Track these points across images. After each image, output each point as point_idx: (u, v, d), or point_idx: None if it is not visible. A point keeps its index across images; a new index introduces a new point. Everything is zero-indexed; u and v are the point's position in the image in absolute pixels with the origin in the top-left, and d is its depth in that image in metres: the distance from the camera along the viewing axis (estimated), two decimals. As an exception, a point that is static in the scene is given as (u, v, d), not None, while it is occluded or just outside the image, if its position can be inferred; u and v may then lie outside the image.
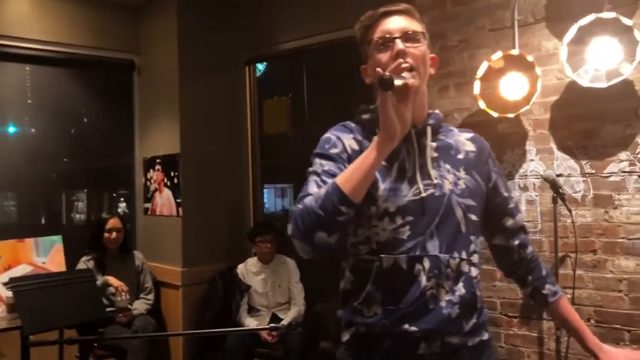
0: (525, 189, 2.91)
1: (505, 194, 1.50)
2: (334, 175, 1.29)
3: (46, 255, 3.80)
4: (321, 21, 3.95)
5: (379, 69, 1.25)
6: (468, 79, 3.02)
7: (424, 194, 1.33)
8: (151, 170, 4.47)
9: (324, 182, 1.30)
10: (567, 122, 2.80)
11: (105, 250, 3.88)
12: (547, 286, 1.50)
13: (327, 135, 1.42)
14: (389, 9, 1.38)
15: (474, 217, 1.38)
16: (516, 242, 1.51)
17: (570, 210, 2.69)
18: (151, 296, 4.00)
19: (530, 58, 2.77)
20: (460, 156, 1.42)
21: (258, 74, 4.70)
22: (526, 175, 2.91)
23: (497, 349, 1.48)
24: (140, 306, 3.87)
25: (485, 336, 1.39)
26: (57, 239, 3.86)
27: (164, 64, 4.33)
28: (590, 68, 2.60)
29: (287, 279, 3.96)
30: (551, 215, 2.72)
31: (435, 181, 1.35)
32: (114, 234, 3.87)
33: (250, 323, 3.78)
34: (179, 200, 4.18)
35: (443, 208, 1.34)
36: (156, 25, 4.43)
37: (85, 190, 4.74)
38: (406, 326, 1.29)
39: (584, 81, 2.61)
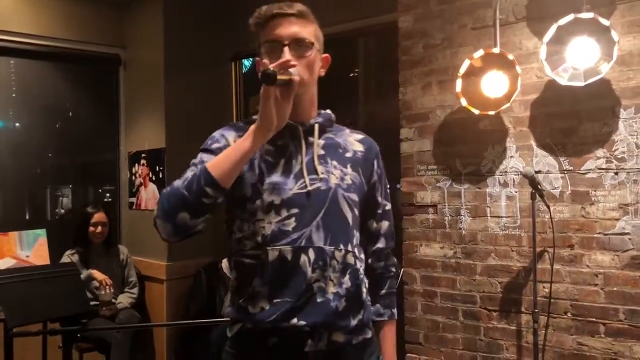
0: (505, 185, 2.97)
1: (379, 198, 1.52)
2: None
3: (30, 249, 3.80)
4: (307, 18, 3.97)
5: (264, 61, 1.30)
6: (451, 77, 3.06)
7: (310, 187, 1.35)
8: (136, 165, 4.48)
9: None
10: (546, 120, 2.85)
11: (89, 244, 3.89)
12: (377, 306, 1.50)
13: (214, 133, 1.44)
14: (282, 11, 1.36)
15: (357, 212, 1.42)
16: (371, 249, 1.51)
17: (548, 206, 2.75)
18: (135, 290, 4.02)
19: (511, 56, 2.82)
20: (348, 154, 1.46)
21: (244, 70, 4.71)
22: (506, 172, 2.96)
23: (377, 347, 1.50)
24: (124, 300, 3.88)
25: (369, 334, 1.42)
26: (41, 233, 3.85)
27: (150, 58, 4.33)
28: (568, 67, 2.66)
29: (272, 273, 3.98)
30: (530, 211, 2.78)
31: (322, 175, 1.37)
32: (99, 228, 3.88)
33: (235, 317, 3.79)
34: (164, 195, 4.18)
35: (329, 201, 1.36)
36: (142, 19, 4.43)
37: (70, 186, 4.73)
38: (294, 320, 1.29)
39: (563, 80, 2.67)
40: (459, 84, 2.93)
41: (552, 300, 2.81)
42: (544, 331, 2.82)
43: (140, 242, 4.39)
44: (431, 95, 3.19)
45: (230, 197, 1.35)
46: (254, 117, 1.38)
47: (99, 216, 3.90)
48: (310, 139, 1.42)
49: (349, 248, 1.37)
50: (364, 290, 1.41)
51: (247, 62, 4.72)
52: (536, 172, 2.80)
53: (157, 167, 4.25)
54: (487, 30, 3.00)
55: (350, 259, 1.36)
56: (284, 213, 1.33)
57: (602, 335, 2.71)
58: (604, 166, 2.71)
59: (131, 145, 4.56)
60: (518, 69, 2.79)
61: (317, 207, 1.34)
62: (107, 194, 4.82)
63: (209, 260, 4.19)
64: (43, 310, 2.96)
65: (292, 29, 1.36)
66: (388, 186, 1.57)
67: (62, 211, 4.63)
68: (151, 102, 4.32)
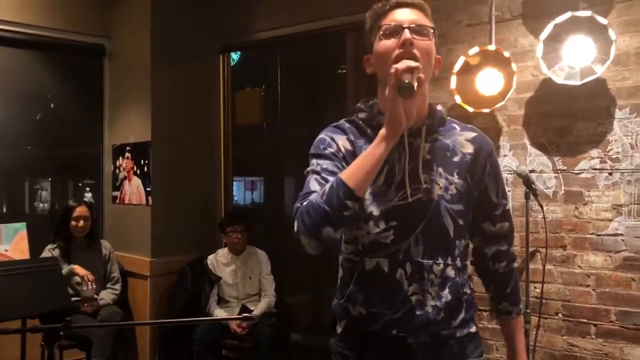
0: (498, 184, 2.94)
1: (495, 199, 1.45)
2: (332, 173, 1.29)
3: (9, 243, 3.69)
4: (297, 11, 3.92)
5: (393, 69, 1.21)
6: (445, 74, 3.02)
7: (410, 199, 1.32)
8: (120, 158, 4.38)
9: (325, 179, 1.29)
10: (540, 119, 2.83)
11: (71, 239, 3.78)
12: (505, 304, 1.49)
13: (320, 136, 1.41)
14: (403, 0, 1.36)
15: (461, 222, 1.37)
16: (490, 251, 1.47)
17: (541, 206, 2.73)
18: (118, 286, 3.92)
19: (506, 54, 2.79)
20: (456, 159, 1.38)
21: (232, 63, 4.63)
22: (499, 171, 2.94)
23: (481, 343, 1.47)
24: (106, 296, 3.79)
25: (473, 329, 1.41)
26: (21, 227, 3.75)
27: (136, 50, 4.23)
28: (565, 65, 2.64)
29: (258, 270, 3.92)
30: (523, 210, 2.75)
31: (425, 186, 1.33)
32: (81, 222, 3.78)
33: (220, 314, 3.73)
34: (148, 189, 4.10)
35: (430, 214, 1.32)
36: (128, 9, 4.32)
37: (50, 179, 4.61)
38: (394, 332, 1.32)
39: (559, 78, 2.65)
40: (453, 81, 2.90)
41: (543, 300, 2.79)
42: (535, 332, 2.80)
43: (123, 238, 4.29)
44: (424, 92, 3.15)
45: None
46: (360, 115, 1.39)
47: (80, 210, 3.80)
48: (417, 143, 1.36)
49: (449, 261, 1.34)
50: (465, 294, 1.39)
51: (235, 55, 4.65)
52: (530, 172, 2.78)
53: (142, 160, 4.15)
54: (483, 27, 2.97)
55: (450, 272, 1.34)
56: (382, 225, 1.32)
57: (593, 337, 2.70)
58: (598, 166, 2.69)
59: (115, 138, 4.46)
60: (514, 66, 2.76)
61: (417, 220, 1.32)
62: (87, 188, 4.70)
63: (194, 257, 4.11)
64: (23, 306, 2.86)
65: (412, 16, 1.34)
66: (505, 185, 1.51)
67: (41, 205, 4.51)
68: (137, 95, 4.22)
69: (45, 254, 3.71)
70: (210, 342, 3.65)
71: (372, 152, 1.23)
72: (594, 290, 2.70)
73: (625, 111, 2.62)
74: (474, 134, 1.44)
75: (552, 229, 2.78)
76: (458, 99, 2.89)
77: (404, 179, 1.33)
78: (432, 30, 1.35)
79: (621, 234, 2.63)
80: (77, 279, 3.64)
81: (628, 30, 2.61)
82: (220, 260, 3.92)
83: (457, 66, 2.89)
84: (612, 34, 2.51)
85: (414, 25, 1.32)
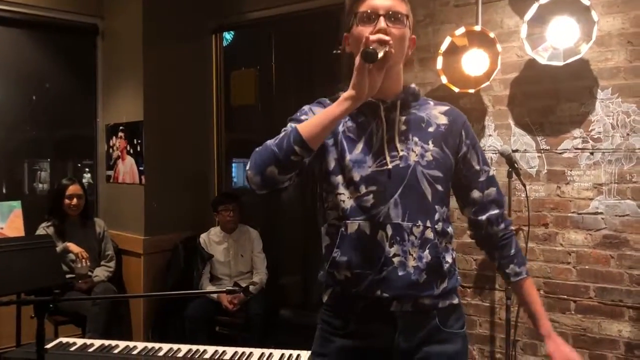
0: (482, 163, 2.98)
1: (477, 166, 1.50)
2: None
3: (4, 221, 3.74)
4: (290, -9, 3.92)
5: (363, 33, 1.33)
6: (432, 54, 3.06)
7: (389, 166, 1.39)
8: (114, 138, 4.41)
9: None
10: (525, 99, 2.87)
11: (65, 217, 3.83)
12: (512, 266, 1.51)
13: (303, 107, 1.50)
14: None
15: (440, 188, 1.42)
16: (484, 217, 1.50)
17: (524, 185, 2.77)
18: (112, 264, 3.99)
19: (492, 35, 2.82)
20: (431, 129, 1.45)
21: (225, 43, 4.65)
22: (484, 150, 2.98)
23: (463, 315, 1.51)
24: (100, 273, 3.85)
25: (456, 300, 1.46)
26: (16, 204, 3.79)
27: (128, 29, 4.25)
28: (548, 46, 2.67)
29: (250, 248, 3.99)
30: (506, 189, 2.80)
31: (402, 153, 1.40)
32: (74, 201, 3.83)
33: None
34: (141, 168, 4.14)
35: (407, 178, 1.39)
36: (121, -12, 4.33)
37: (49, 159, 4.65)
38: (378, 292, 1.37)
39: (543, 59, 2.68)
40: (439, 62, 2.92)
41: (525, 277, 2.85)
42: (516, 308, 2.86)
43: (117, 216, 4.35)
44: (412, 72, 3.18)
45: (319, 171, 1.46)
46: (341, 93, 1.42)
47: (74, 188, 3.84)
48: (392, 115, 1.44)
49: (428, 224, 1.39)
50: (447, 263, 1.43)
51: (228, 36, 4.66)
52: (513, 151, 2.82)
53: (135, 140, 4.19)
54: (470, 8, 2.99)
55: (429, 234, 1.39)
56: (363, 190, 1.39)
57: (573, 312, 2.77)
58: (580, 146, 2.74)
59: (109, 118, 4.49)
60: (499, 47, 2.79)
61: (395, 185, 1.39)
62: (87, 169, 4.75)
63: (187, 235, 4.17)
64: (18, 282, 2.93)
65: (388, 2, 1.40)
66: (482, 152, 1.54)
67: (41, 185, 4.56)
68: (129, 74, 4.24)
69: (40, 231, 3.77)
70: (202, 318, 3.72)
71: (331, 110, 1.31)
72: (574, 267, 2.76)
73: (607, 92, 2.65)
74: (447, 108, 1.52)
75: (534, 207, 2.83)
76: (444, 79, 2.92)
77: (382, 147, 1.41)
78: (406, 17, 1.41)
79: (601, 213, 2.68)
80: (72, 256, 3.70)
81: (611, 12, 2.63)
82: (212, 239, 3.98)
83: (444, 46, 2.91)
84: (594, 15, 2.53)
85: (390, 12, 1.39)
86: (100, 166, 4.59)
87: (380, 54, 1.27)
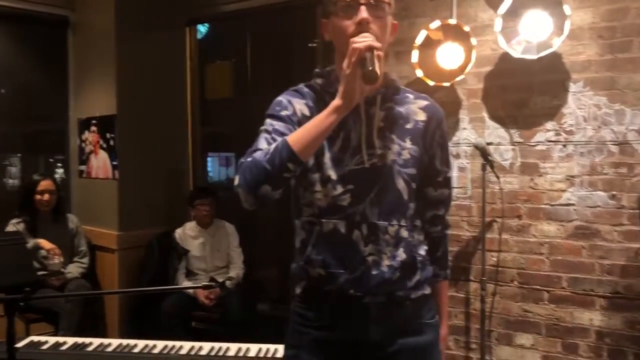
0: (457, 156, 3.01)
1: (439, 167, 1.51)
2: (283, 134, 1.32)
3: (-27, 218, 3.66)
4: (265, -17, 3.89)
5: (353, 48, 1.25)
6: (407, 48, 3.05)
7: (366, 164, 1.37)
8: (86, 132, 4.33)
9: (274, 139, 1.33)
10: (499, 92, 2.90)
11: (36, 213, 3.76)
12: (434, 266, 1.53)
13: (279, 98, 1.44)
14: None
15: (414, 185, 1.42)
16: (428, 215, 1.52)
17: (498, 177, 2.81)
18: (86, 260, 3.93)
19: (466, 28, 2.83)
20: (409, 126, 1.43)
21: (199, 36, 4.59)
22: (459, 143, 3.00)
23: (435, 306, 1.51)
24: (74, 270, 3.79)
25: (427, 291, 1.46)
26: (-15, 201, 3.71)
27: (100, 21, 4.16)
28: (522, 40, 2.69)
29: (226, 243, 3.96)
30: (480, 182, 2.83)
31: (379, 151, 1.38)
32: (46, 196, 3.75)
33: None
34: (115, 163, 4.08)
35: (384, 177, 1.38)
36: (92, -21, 4.24)
37: (19, 154, 4.54)
38: (352, 291, 1.36)
39: (516, 53, 2.70)
40: (415, 55, 2.93)
41: (499, 268, 2.90)
42: (491, 299, 2.90)
43: (90, 211, 4.28)
44: (388, 66, 3.13)
45: None
46: (317, 80, 1.42)
47: (45, 184, 3.76)
48: (372, 110, 1.40)
49: (403, 222, 1.39)
50: (420, 256, 1.43)
51: (202, 28, 4.60)
52: (487, 144, 2.85)
53: (108, 134, 4.12)
54: (445, 2, 3.00)
55: (404, 232, 1.39)
56: (340, 189, 1.37)
57: (546, 302, 2.81)
58: (552, 139, 2.77)
59: (81, 112, 4.40)
60: (473, 40, 2.81)
61: (371, 183, 1.37)
62: (59, 164, 4.65)
63: (162, 230, 4.12)
64: (-13, 280, 2.86)
65: None
66: (449, 153, 1.55)
67: (11, 181, 4.46)
68: (102, 67, 4.16)
69: (10, 228, 3.68)
70: (178, 314, 3.68)
71: (321, 121, 1.27)
72: (547, 258, 2.80)
73: (579, 85, 2.69)
74: (426, 102, 1.49)
75: (508, 199, 2.87)
76: (419, 73, 2.93)
77: (360, 145, 1.38)
78: (388, 4, 1.38)
79: (573, 204, 2.73)
80: (43, 252, 3.63)
81: (582, 6, 2.67)
82: (188, 234, 3.95)
83: (419, 40, 2.92)
84: (567, 9, 2.57)
85: (371, 1, 1.34)
86: (73, 161, 4.50)
87: (379, 70, 1.23)
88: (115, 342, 2.34)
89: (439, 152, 1.50)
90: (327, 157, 1.38)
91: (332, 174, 1.37)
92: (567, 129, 2.73)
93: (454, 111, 3.00)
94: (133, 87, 4.10)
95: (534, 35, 2.66)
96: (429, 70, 2.93)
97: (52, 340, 2.34)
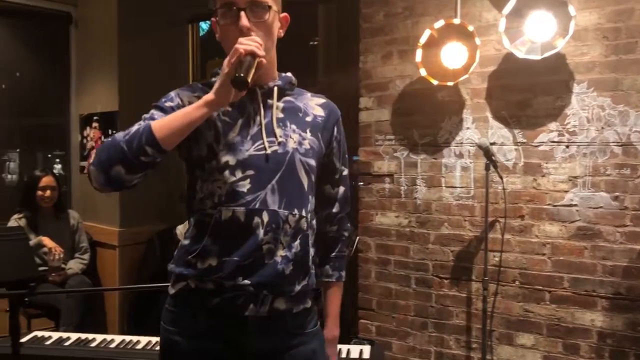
0: (460, 156, 3.01)
1: (337, 164, 1.51)
2: None
3: (-27, 213, 3.65)
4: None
5: (233, 58, 1.24)
6: (411, 47, 3.06)
7: (268, 151, 1.34)
8: (88, 128, 4.34)
9: None
10: (502, 92, 2.90)
11: (38, 209, 3.76)
12: (327, 267, 1.53)
13: (170, 92, 1.42)
14: None
15: (313, 178, 1.41)
16: (325, 213, 1.52)
17: (501, 177, 2.81)
18: (86, 256, 3.93)
19: (470, 28, 2.83)
20: (308, 119, 1.43)
21: (202, 33, 4.59)
22: (462, 143, 3.00)
23: (316, 315, 1.48)
24: (74, 266, 3.79)
25: (309, 304, 1.43)
26: (-14, 196, 3.71)
27: (103, 17, 4.17)
28: (526, 40, 2.69)
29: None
30: (483, 181, 2.83)
31: (280, 139, 1.36)
32: (47, 192, 3.75)
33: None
34: (117, 160, 4.08)
35: (285, 165, 1.35)
36: (95, -25, 4.24)
37: (18, 150, 4.54)
38: (240, 279, 1.30)
39: (520, 53, 2.70)
40: (419, 54, 2.93)
41: (501, 269, 2.90)
42: (492, 298, 2.91)
43: (92, 208, 4.29)
44: (391, 64, 3.19)
45: (191, 157, 1.37)
46: (213, 79, 1.35)
47: (47, 180, 3.77)
48: (270, 101, 1.40)
49: (303, 213, 1.36)
50: (311, 257, 1.41)
51: (204, 25, 4.60)
52: (491, 144, 2.85)
53: (110, 130, 4.13)
54: (449, 1, 2.99)
55: (303, 224, 1.36)
56: (239, 174, 1.32)
57: (547, 303, 2.82)
58: (556, 139, 2.77)
59: (83, 108, 4.41)
60: (477, 40, 2.81)
61: (273, 170, 1.34)
62: (57, 160, 4.65)
63: (163, 227, 4.12)
64: (-12, 275, 2.86)
65: None
66: (346, 152, 1.55)
67: (10, 176, 4.46)
68: (104, 63, 4.16)
69: (11, 223, 3.69)
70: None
71: (190, 113, 1.25)
72: (549, 258, 2.81)
73: (583, 86, 2.69)
74: (324, 100, 1.50)
75: (511, 199, 2.87)
76: (423, 72, 2.93)
77: (260, 132, 1.35)
78: (270, 5, 1.35)
79: (576, 205, 2.73)
80: (45, 249, 3.63)
81: (587, 7, 2.67)
82: (189, 231, 3.94)
83: (423, 39, 2.92)
84: (571, 9, 2.56)
85: (250, 3, 1.31)
86: (74, 157, 4.51)
87: (250, 77, 1.22)
88: (118, 338, 2.35)
89: (337, 150, 1.50)
90: (222, 144, 1.33)
91: (231, 160, 1.32)
92: (570, 130, 2.73)
93: (458, 111, 3.00)
94: (135, 84, 4.10)
95: (538, 35, 2.66)
96: (433, 70, 2.92)
97: (55, 335, 2.34)
